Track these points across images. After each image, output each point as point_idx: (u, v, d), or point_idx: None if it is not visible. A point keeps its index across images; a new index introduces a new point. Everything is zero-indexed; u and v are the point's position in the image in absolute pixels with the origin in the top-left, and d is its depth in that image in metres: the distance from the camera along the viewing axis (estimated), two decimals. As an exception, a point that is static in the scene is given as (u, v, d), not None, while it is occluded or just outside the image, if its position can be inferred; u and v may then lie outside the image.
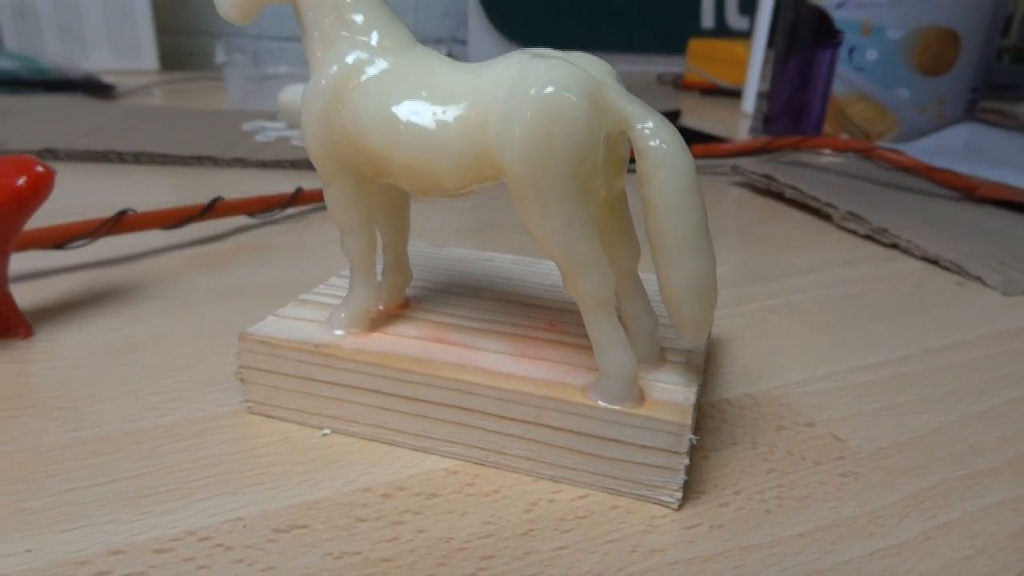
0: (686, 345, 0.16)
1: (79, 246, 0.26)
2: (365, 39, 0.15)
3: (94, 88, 0.63)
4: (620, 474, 0.15)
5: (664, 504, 0.15)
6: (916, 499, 0.16)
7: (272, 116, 0.52)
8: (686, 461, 0.15)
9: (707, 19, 1.17)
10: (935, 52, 0.49)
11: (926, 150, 0.48)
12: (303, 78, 0.55)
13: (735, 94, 0.84)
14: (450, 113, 0.14)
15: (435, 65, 0.15)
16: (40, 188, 0.21)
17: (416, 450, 0.17)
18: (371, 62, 0.15)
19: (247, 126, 0.49)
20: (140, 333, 0.22)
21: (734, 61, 0.87)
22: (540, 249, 0.15)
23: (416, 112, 0.15)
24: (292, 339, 0.17)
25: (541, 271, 0.22)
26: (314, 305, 0.19)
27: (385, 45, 0.15)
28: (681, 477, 0.15)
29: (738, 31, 1.17)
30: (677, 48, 1.10)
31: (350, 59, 0.15)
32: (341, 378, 0.17)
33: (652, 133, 0.14)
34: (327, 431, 0.17)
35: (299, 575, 0.13)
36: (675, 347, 0.17)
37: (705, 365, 0.21)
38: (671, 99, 0.84)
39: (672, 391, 0.16)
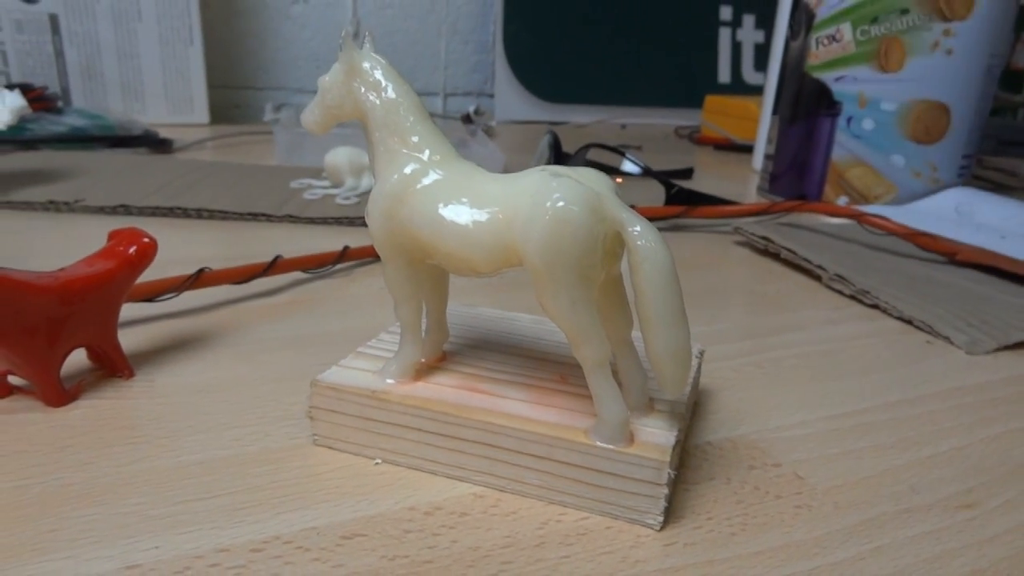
0: (668, 397, 0.20)
1: (167, 299, 0.31)
2: (420, 155, 0.20)
3: (154, 143, 0.69)
4: (614, 500, 0.19)
5: (649, 526, 0.19)
6: (857, 527, 0.20)
7: (316, 173, 0.57)
8: (667, 491, 0.19)
9: (723, 75, 1.22)
10: (927, 123, 0.54)
11: (919, 213, 0.52)
12: (345, 138, 0.60)
13: (747, 149, 0.88)
14: (484, 215, 0.19)
15: (473, 175, 0.20)
16: (147, 255, 0.26)
17: (451, 478, 0.21)
18: (425, 173, 0.20)
19: (295, 183, 0.54)
20: (220, 375, 0.26)
21: (747, 117, 0.91)
22: (551, 321, 0.19)
23: (458, 214, 0.19)
24: (353, 386, 0.21)
25: (552, 329, 0.26)
26: (369, 357, 0.23)
27: (435, 159, 0.20)
28: (662, 504, 0.19)
29: (753, 86, 1.22)
30: (694, 102, 1.15)
31: (408, 170, 0.20)
32: (392, 418, 0.21)
33: (639, 235, 0.18)
34: (379, 461, 0.21)
35: (362, 572, 0.17)
36: (662, 398, 0.21)
37: (691, 412, 0.24)
38: (686, 153, 0.89)
39: (657, 434, 0.20)
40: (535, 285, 0.18)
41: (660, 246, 0.18)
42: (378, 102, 0.20)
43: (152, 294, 0.30)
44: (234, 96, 1.01)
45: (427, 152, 0.20)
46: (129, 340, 0.29)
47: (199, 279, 0.31)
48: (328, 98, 0.21)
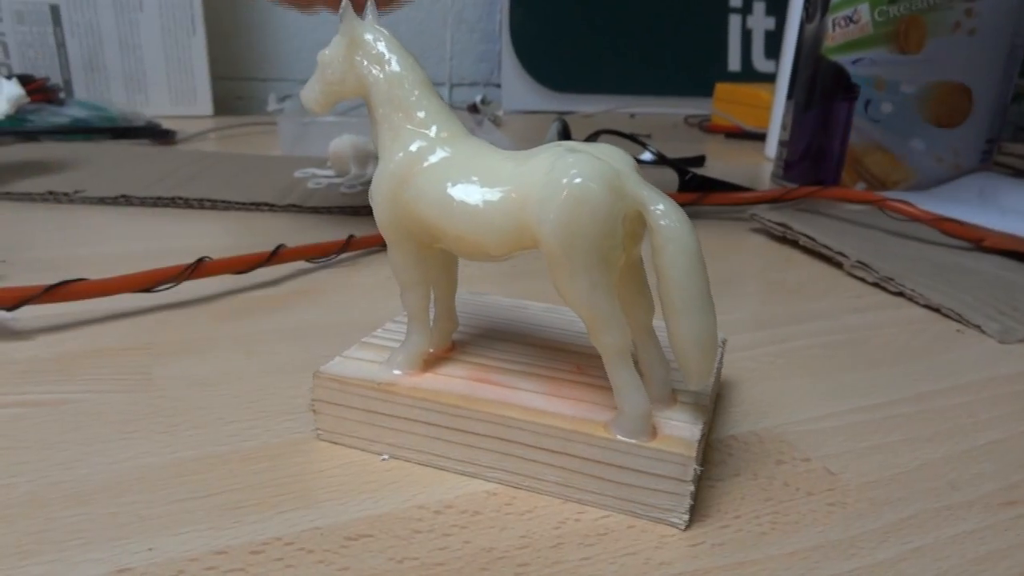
0: (692, 388, 0.18)
1: (164, 289, 0.30)
2: (426, 131, 0.19)
3: (157, 135, 0.68)
4: (636, 498, 0.18)
5: (673, 525, 0.18)
6: (895, 526, 0.18)
7: (320, 163, 0.56)
8: (692, 488, 0.17)
9: (734, 63, 1.20)
10: (948, 106, 0.52)
11: (941, 198, 0.50)
12: (349, 127, 0.59)
13: (759, 137, 0.86)
14: (496, 195, 0.18)
15: (484, 153, 0.18)
16: None
17: (462, 474, 0.20)
18: (432, 151, 0.18)
19: (299, 173, 0.53)
20: (219, 368, 0.25)
21: (758, 105, 0.90)
22: (568, 307, 0.18)
23: (468, 193, 0.18)
24: (358, 377, 0.20)
25: (568, 318, 0.25)
26: (374, 348, 0.22)
27: (443, 136, 0.19)
28: (688, 502, 0.17)
29: (764, 74, 1.20)
30: (704, 91, 1.13)
31: (414, 148, 0.19)
32: (399, 411, 0.20)
33: (663, 214, 0.17)
34: (386, 457, 0.20)
35: (369, 575, 0.16)
36: (684, 389, 0.20)
37: (715, 404, 0.23)
38: (697, 142, 0.87)
39: (681, 428, 0.18)
40: (550, 269, 0.17)
41: (685, 226, 0.17)
42: (381, 76, 0.19)
43: (149, 284, 0.29)
44: (237, 87, 1.00)
45: (434, 128, 0.19)
46: (125, 331, 0.28)
47: (198, 269, 0.30)
48: (328, 73, 0.20)
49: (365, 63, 0.19)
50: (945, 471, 0.21)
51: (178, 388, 0.24)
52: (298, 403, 0.23)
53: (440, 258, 0.21)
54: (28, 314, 0.28)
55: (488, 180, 0.18)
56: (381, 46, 0.19)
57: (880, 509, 0.19)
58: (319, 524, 0.17)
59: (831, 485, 0.20)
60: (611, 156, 0.18)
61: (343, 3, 0.19)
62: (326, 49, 0.20)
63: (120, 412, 0.22)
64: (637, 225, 0.17)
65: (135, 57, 0.80)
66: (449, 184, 0.18)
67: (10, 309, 0.26)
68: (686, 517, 0.18)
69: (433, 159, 0.18)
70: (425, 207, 0.18)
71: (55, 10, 0.76)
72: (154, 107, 0.83)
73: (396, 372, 0.20)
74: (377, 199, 0.19)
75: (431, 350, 0.21)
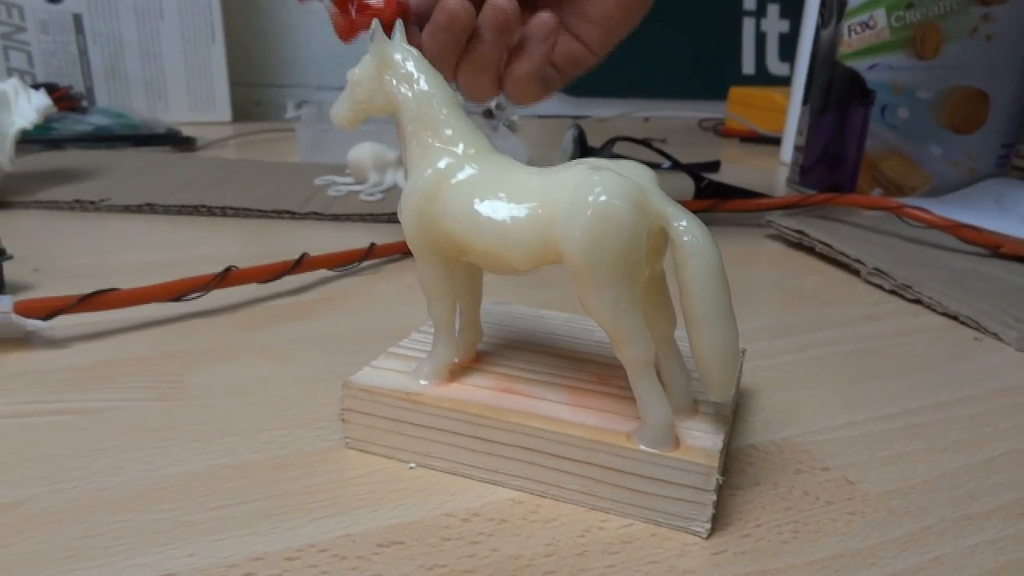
0: (714, 400, 0.19)
1: (194, 298, 0.30)
2: (454, 148, 0.19)
3: (177, 142, 0.69)
4: (658, 507, 0.18)
5: (695, 533, 0.18)
6: (914, 536, 0.19)
7: (339, 170, 0.57)
8: (714, 497, 0.18)
9: (748, 66, 1.20)
10: (964, 111, 0.52)
11: (958, 204, 0.50)
12: (368, 134, 0.60)
13: (774, 141, 0.86)
14: (522, 211, 0.18)
15: (510, 169, 0.19)
16: None
17: (487, 483, 0.20)
18: (460, 167, 0.19)
19: (318, 180, 0.54)
20: (249, 376, 0.26)
21: (773, 109, 0.90)
22: (593, 320, 0.18)
23: (495, 209, 0.18)
24: (386, 388, 0.21)
25: (587, 327, 0.25)
26: (401, 358, 0.22)
27: (470, 153, 0.19)
28: (710, 511, 0.18)
29: (778, 77, 1.20)
30: (718, 94, 1.13)
31: (442, 164, 0.19)
32: (426, 421, 0.20)
33: (686, 229, 0.17)
34: (413, 465, 0.21)
35: (400, 580, 0.16)
36: (706, 400, 0.21)
37: (734, 414, 0.24)
38: (711, 146, 0.87)
39: (702, 438, 0.19)
40: (576, 283, 0.18)
41: (708, 241, 0.17)
42: (410, 95, 0.20)
43: (179, 293, 0.29)
44: (255, 94, 1.01)
45: (461, 146, 0.19)
46: (156, 340, 0.28)
47: (226, 278, 0.31)
48: (358, 92, 0.20)
49: (394, 82, 0.20)
50: (964, 481, 0.21)
51: (210, 396, 0.24)
52: (327, 411, 0.23)
53: (466, 271, 0.21)
54: (63, 323, 0.29)
55: (515, 196, 0.18)
56: (410, 65, 0.20)
57: (900, 519, 0.19)
58: (351, 531, 0.18)
59: (850, 495, 0.20)
60: (635, 173, 0.18)
61: (373, 24, 0.20)
62: (356, 68, 0.20)
63: (156, 420, 0.23)
64: (660, 240, 0.18)
65: (155, 65, 0.82)
66: (477, 200, 0.19)
67: (46, 319, 0.27)
68: (708, 526, 0.18)
69: (461, 176, 0.19)
70: (453, 222, 0.19)
71: (78, 19, 0.77)
72: (174, 114, 0.84)
73: (423, 382, 0.21)
74: (406, 214, 0.19)
75: (456, 360, 0.22)
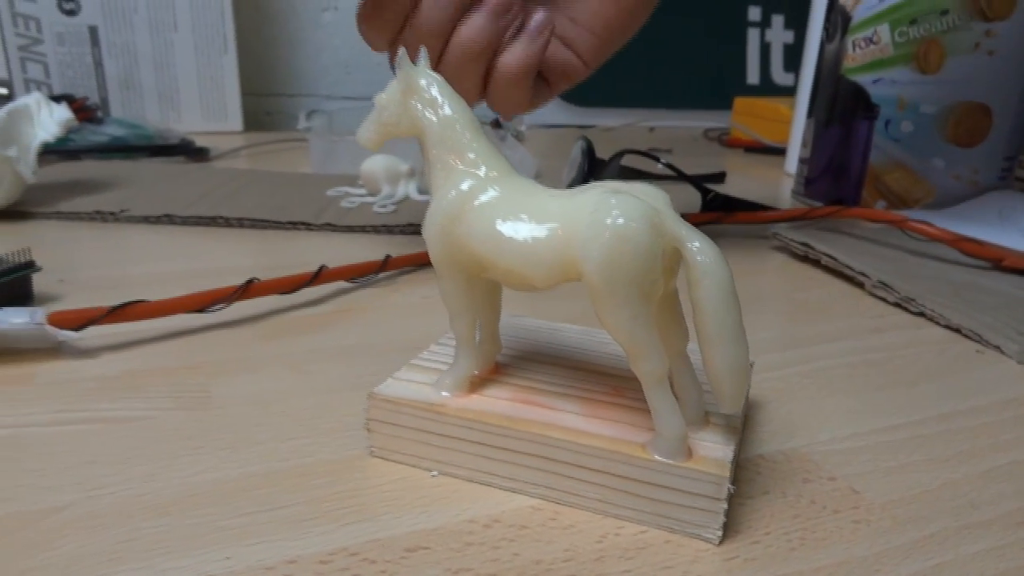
0: (725, 412, 0.20)
1: (217, 310, 0.31)
2: (476, 171, 0.20)
3: (191, 152, 0.70)
4: (672, 514, 0.19)
5: (707, 540, 0.19)
6: (917, 544, 0.19)
7: (352, 181, 0.58)
8: (725, 506, 0.19)
9: (752, 76, 1.21)
10: (968, 125, 0.53)
11: (961, 217, 0.51)
12: (381, 147, 0.60)
13: (779, 152, 0.87)
14: (543, 232, 0.19)
15: (531, 191, 0.20)
16: None
17: (507, 490, 0.21)
18: (482, 189, 0.20)
19: (331, 192, 0.55)
20: (273, 386, 0.27)
21: (778, 120, 0.91)
22: (609, 335, 0.19)
23: (517, 230, 0.19)
24: (410, 399, 0.21)
25: (601, 340, 0.26)
26: (423, 370, 0.23)
27: (492, 175, 0.20)
28: (721, 519, 0.19)
29: (783, 87, 1.21)
30: (723, 103, 1.14)
31: (465, 186, 0.20)
32: (448, 431, 0.21)
33: (699, 250, 0.18)
34: (435, 473, 0.22)
35: (427, 584, 0.17)
36: (717, 411, 0.21)
37: (744, 425, 0.24)
38: (717, 156, 0.88)
39: (714, 448, 0.20)
40: (594, 301, 0.18)
41: (720, 262, 0.18)
42: (435, 119, 0.21)
43: (204, 305, 0.30)
44: (265, 103, 1.02)
45: (483, 168, 0.20)
46: (181, 350, 0.29)
47: (248, 290, 0.32)
48: (385, 116, 0.21)
49: (419, 107, 0.21)
50: (966, 490, 0.22)
51: (236, 406, 0.25)
52: (350, 421, 0.24)
53: (486, 287, 0.22)
54: (92, 333, 0.30)
55: (535, 217, 0.19)
56: (435, 91, 0.21)
57: (903, 527, 0.20)
58: (379, 536, 0.19)
59: (856, 503, 0.21)
60: (650, 195, 0.19)
61: (400, 52, 0.21)
62: (383, 93, 0.21)
63: (186, 429, 0.24)
64: (673, 260, 0.19)
65: (169, 75, 0.83)
66: (499, 221, 0.19)
67: (77, 329, 0.28)
68: (720, 533, 0.19)
69: (483, 198, 0.20)
70: (476, 242, 0.20)
71: (94, 31, 0.79)
72: (186, 123, 0.85)
73: (445, 394, 0.22)
74: (430, 234, 0.20)
75: (476, 372, 0.23)
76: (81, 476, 0.21)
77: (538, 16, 0.34)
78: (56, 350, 0.29)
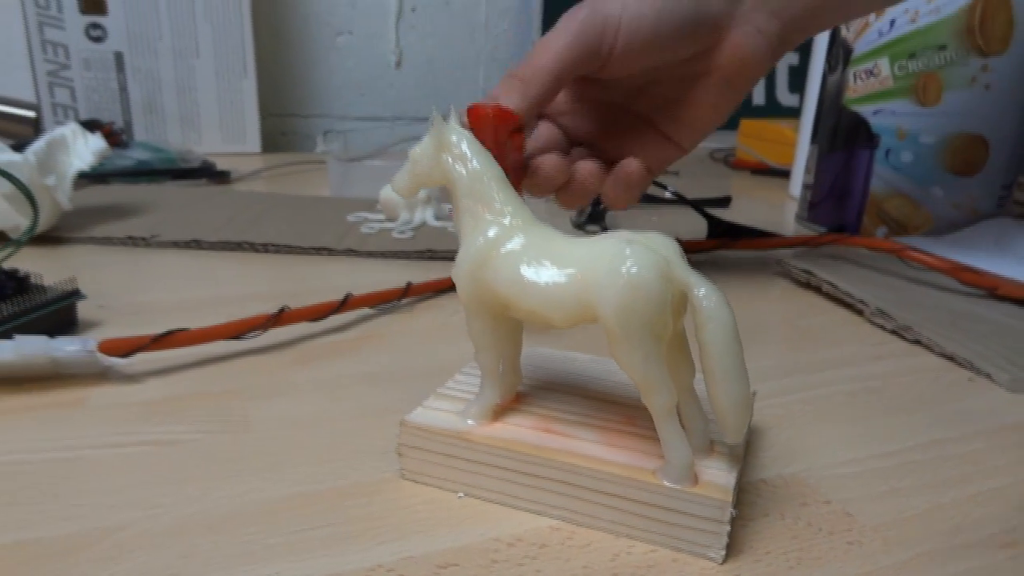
0: (728, 442, 0.21)
1: (252, 337, 0.33)
2: (502, 220, 0.22)
3: (213, 175, 0.73)
4: (679, 535, 0.21)
5: (712, 559, 0.21)
6: (905, 564, 0.21)
7: (370, 206, 0.60)
8: (728, 528, 0.20)
9: (758, 97, 1.23)
10: (965, 156, 0.55)
11: (959, 245, 0.53)
12: (395, 171, 0.63)
13: (783, 174, 0.89)
14: (563, 277, 0.21)
15: (552, 239, 0.22)
16: None
17: (529, 511, 0.23)
18: (508, 237, 0.22)
19: (351, 217, 0.57)
20: (307, 410, 0.29)
21: (782, 142, 0.93)
22: (623, 372, 0.21)
23: (539, 275, 0.21)
24: (439, 427, 0.23)
25: (613, 369, 0.28)
26: (450, 399, 0.25)
27: (516, 224, 0.22)
28: (725, 539, 0.21)
29: (788, 108, 1.23)
30: (729, 124, 1.16)
31: (492, 234, 0.22)
32: (474, 456, 0.23)
33: (705, 296, 0.20)
34: (462, 495, 0.23)
35: (458, 598, 0.19)
36: (721, 440, 0.23)
37: (746, 451, 0.26)
38: (723, 178, 0.90)
39: (718, 475, 0.21)
40: (609, 341, 0.20)
41: (724, 307, 0.20)
42: (464, 172, 0.23)
43: (240, 332, 0.32)
44: (281, 124, 1.05)
45: (508, 217, 0.22)
46: (220, 376, 0.31)
47: (280, 317, 0.34)
48: (418, 168, 0.23)
49: (450, 160, 0.23)
50: (952, 514, 0.24)
51: (275, 429, 0.27)
52: (381, 445, 0.26)
53: (509, 324, 0.24)
54: (136, 359, 0.32)
55: (556, 264, 0.21)
56: (464, 146, 0.23)
57: (892, 548, 0.22)
58: (413, 554, 0.21)
59: (849, 526, 0.23)
60: (661, 245, 0.21)
61: (433, 113, 0.23)
62: (416, 147, 0.24)
63: (229, 451, 0.26)
64: (681, 303, 0.21)
65: (190, 99, 0.86)
66: (523, 266, 0.21)
67: (125, 356, 0.30)
68: (723, 552, 0.21)
69: (509, 245, 0.22)
70: (501, 286, 0.22)
71: (119, 57, 0.82)
72: (206, 145, 0.88)
73: (470, 422, 0.24)
74: (460, 277, 0.22)
75: (499, 402, 0.25)
76: (138, 496, 0.23)
77: (635, 168, 0.39)
78: (103, 375, 0.31)
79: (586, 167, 0.38)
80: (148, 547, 0.21)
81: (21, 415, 0.28)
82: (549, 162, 0.36)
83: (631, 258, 0.20)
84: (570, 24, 0.35)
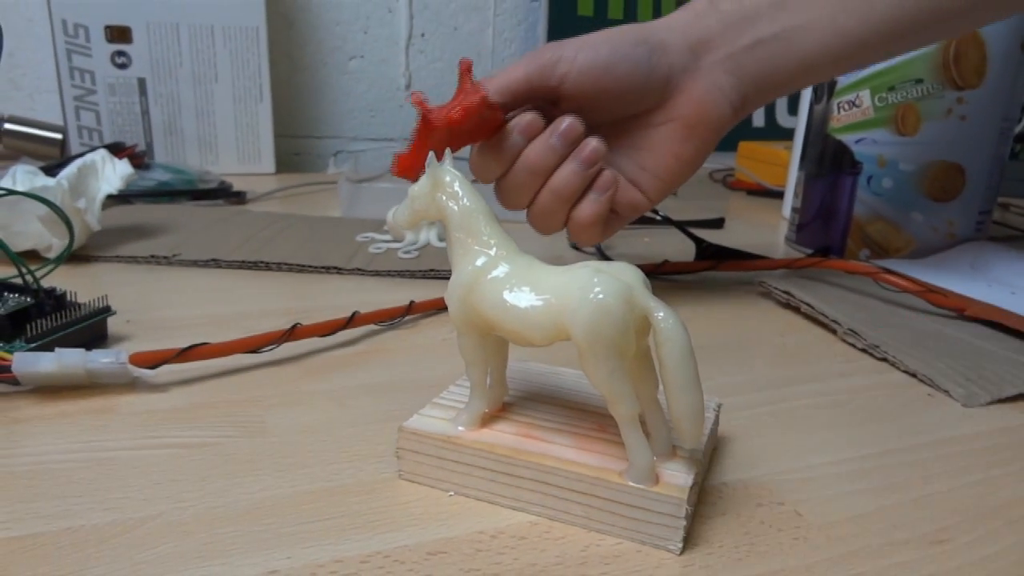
0: (686, 447, 0.24)
1: (268, 350, 0.36)
2: (488, 251, 0.25)
3: (229, 195, 0.77)
4: (642, 529, 0.24)
5: (671, 551, 0.24)
6: (844, 557, 0.24)
7: (378, 227, 0.63)
8: (685, 523, 0.23)
9: (758, 119, 1.26)
10: (943, 183, 0.57)
11: (936, 268, 0.55)
12: (402, 194, 0.66)
13: (778, 195, 0.92)
14: (540, 301, 0.24)
15: (532, 267, 0.25)
16: None
17: (510, 508, 0.26)
18: (493, 266, 0.25)
19: (360, 237, 0.60)
20: (317, 418, 0.32)
21: (778, 164, 0.95)
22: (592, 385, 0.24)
23: (519, 300, 0.24)
24: (432, 432, 0.26)
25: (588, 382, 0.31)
26: (443, 407, 0.28)
27: (501, 254, 0.25)
28: (682, 533, 0.23)
29: (787, 129, 1.26)
30: (728, 145, 1.19)
31: (479, 263, 0.25)
32: (463, 459, 0.26)
33: (663, 319, 0.23)
34: (452, 493, 0.26)
35: (445, 580, 0.22)
36: (682, 446, 0.26)
37: (710, 458, 0.29)
38: (720, 199, 0.93)
39: (677, 476, 0.24)
40: (580, 357, 0.23)
41: (679, 328, 0.23)
42: (456, 208, 0.26)
43: (257, 346, 0.36)
44: (294, 144, 1.09)
45: (494, 248, 0.25)
46: (238, 386, 0.34)
47: (293, 332, 0.37)
48: (416, 204, 0.27)
49: (444, 198, 0.26)
50: (892, 515, 0.26)
51: (288, 434, 0.30)
52: (382, 449, 0.29)
53: (496, 342, 0.27)
54: (162, 370, 0.35)
55: (535, 290, 0.24)
56: (456, 186, 0.26)
57: (834, 543, 0.25)
58: (407, 543, 0.24)
59: (798, 524, 0.25)
60: (626, 274, 0.24)
61: (430, 156, 0.26)
62: (415, 185, 0.27)
63: (247, 453, 0.29)
64: (644, 325, 0.24)
65: (208, 122, 0.90)
66: (506, 292, 0.24)
67: (153, 367, 0.33)
68: (680, 545, 0.23)
69: (494, 273, 0.25)
70: (487, 309, 0.25)
71: (142, 83, 0.86)
72: (223, 165, 0.91)
73: (460, 428, 0.27)
74: (452, 301, 0.25)
75: (487, 411, 0.28)
76: (167, 491, 0.26)
77: (606, 175, 0.42)
78: (131, 385, 0.34)
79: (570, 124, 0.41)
80: (177, 534, 0.24)
81: (61, 420, 0.31)
82: (525, 118, 0.40)
83: (599, 286, 0.23)
84: (529, 54, 0.40)
